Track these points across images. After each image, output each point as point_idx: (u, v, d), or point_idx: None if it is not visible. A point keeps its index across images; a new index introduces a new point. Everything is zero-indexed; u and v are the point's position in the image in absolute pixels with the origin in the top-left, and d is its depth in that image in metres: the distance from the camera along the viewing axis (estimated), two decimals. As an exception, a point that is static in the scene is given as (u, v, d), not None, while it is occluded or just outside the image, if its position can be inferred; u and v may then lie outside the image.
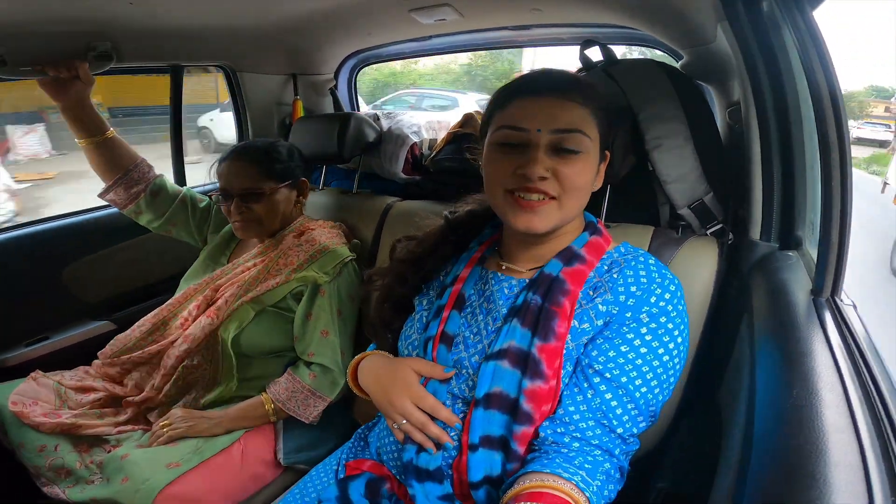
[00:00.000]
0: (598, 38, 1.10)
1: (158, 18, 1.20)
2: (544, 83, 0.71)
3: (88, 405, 1.11)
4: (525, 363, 0.67)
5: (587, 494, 0.58)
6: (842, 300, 0.63)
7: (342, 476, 0.85)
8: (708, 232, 0.98)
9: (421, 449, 0.72)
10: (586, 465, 0.63)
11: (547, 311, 0.68)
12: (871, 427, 0.41)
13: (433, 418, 0.72)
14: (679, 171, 0.97)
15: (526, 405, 0.65)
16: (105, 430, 1.06)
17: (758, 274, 0.82)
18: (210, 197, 1.23)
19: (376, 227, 1.33)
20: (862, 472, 0.37)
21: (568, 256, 0.74)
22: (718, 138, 1.01)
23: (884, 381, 0.47)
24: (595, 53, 1.12)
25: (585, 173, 0.69)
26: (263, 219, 1.16)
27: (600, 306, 0.69)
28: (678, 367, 0.69)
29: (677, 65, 1.17)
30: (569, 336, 0.68)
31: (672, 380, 0.69)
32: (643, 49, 1.51)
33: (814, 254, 0.80)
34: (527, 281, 0.75)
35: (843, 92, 0.61)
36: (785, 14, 0.67)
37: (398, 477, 0.81)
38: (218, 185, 1.17)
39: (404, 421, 0.72)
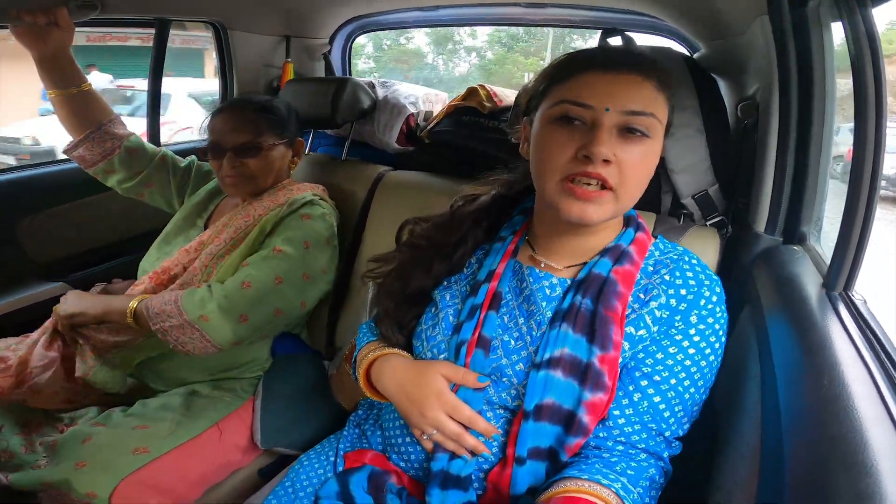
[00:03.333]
0: (617, 26, 1.07)
1: None
2: (621, 58, 0.64)
3: (40, 373, 0.98)
4: (584, 374, 0.62)
5: (627, 503, 0.55)
6: (854, 295, 0.62)
7: (341, 469, 0.77)
8: (708, 223, 0.98)
9: (454, 455, 0.67)
10: (629, 472, 0.61)
11: (602, 316, 0.63)
12: None
13: (467, 428, 0.66)
14: (688, 161, 0.96)
15: (585, 417, 0.61)
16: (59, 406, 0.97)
17: (762, 266, 0.81)
18: (197, 154, 1.14)
19: (366, 197, 1.27)
20: None
21: (617, 255, 0.68)
22: (729, 131, 1.00)
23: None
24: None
25: (649, 163, 0.64)
26: (258, 175, 1.09)
27: (657, 311, 0.65)
28: (718, 365, 0.67)
29: (692, 55, 1.15)
30: (626, 344, 0.64)
31: (713, 378, 0.67)
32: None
33: (818, 249, 0.81)
34: (568, 280, 0.69)
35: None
36: (843, 9, 0.65)
37: (411, 475, 0.75)
38: (193, 143, 1.08)
39: (435, 432, 0.66)
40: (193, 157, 1.28)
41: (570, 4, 1.26)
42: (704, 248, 0.90)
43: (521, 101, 0.75)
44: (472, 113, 1.29)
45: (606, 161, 0.60)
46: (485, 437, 0.66)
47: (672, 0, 1.08)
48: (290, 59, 1.62)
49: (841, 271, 0.63)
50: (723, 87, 1.07)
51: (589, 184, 0.61)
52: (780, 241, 0.85)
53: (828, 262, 0.70)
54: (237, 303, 0.94)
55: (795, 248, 0.81)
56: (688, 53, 1.17)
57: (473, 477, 0.67)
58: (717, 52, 1.07)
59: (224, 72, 1.55)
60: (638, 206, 1.00)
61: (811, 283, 0.67)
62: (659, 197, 1.03)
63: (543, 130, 0.65)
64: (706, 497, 0.63)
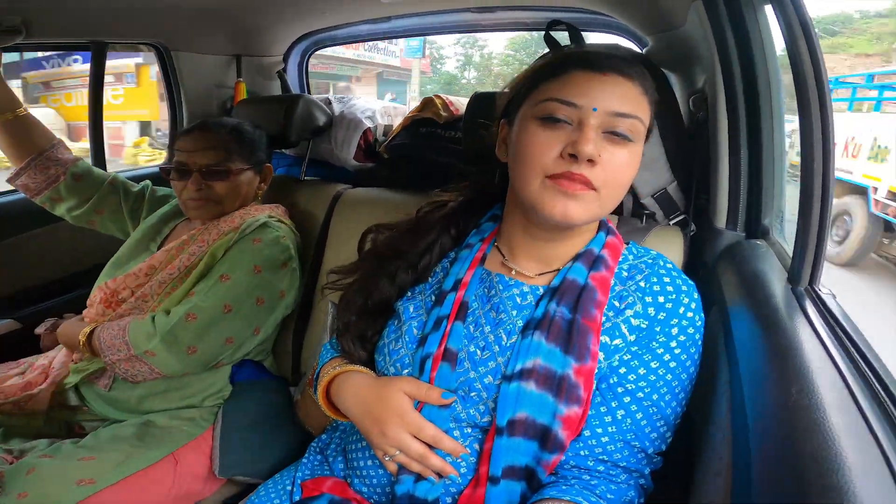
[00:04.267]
0: (564, 23, 1.06)
1: None
2: (608, 59, 0.62)
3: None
4: (559, 387, 0.59)
5: None
6: (821, 289, 0.59)
7: (297, 498, 0.73)
8: (671, 223, 0.96)
9: (420, 478, 0.63)
10: (609, 495, 0.58)
11: (580, 325, 0.60)
12: (886, 428, 0.36)
13: (433, 448, 0.62)
14: (644, 159, 0.92)
15: (561, 432, 0.59)
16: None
17: (726, 263, 0.78)
18: (161, 170, 1.09)
19: (325, 216, 1.23)
20: (892, 481, 0.32)
21: (591, 260, 0.66)
22: (683, 127, 0.98)
23: (885, 373, 0.42)
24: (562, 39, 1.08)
25: (632, 166, 0.62)
26: (224, 199, 1.06)
27: (633, 320, 0.62)
28: (697, 372, 0.65)
29: (642, 52, 1.14)
30: (601, 354, 0.61)
31: (692, 388, 0.64)
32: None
33: (782, 243, 0.78)
34: (541, 288, 0.66)
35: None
36: None
37: (373, 502, 0.70)
38: (146, 169, 1.05)
39: (398, 452, 0.62)
40: (148, 182, 1.24)
41: (520, 6, 1.25)
42: (668, 247, 0.88)
43: (500, 102, 0.72)
44: (429, 124, 1.26)
45: (591, 161, 0.58)
46: (452, 457, 0.62)
47: None
48: (241, 79, 1.58)
49: (804, 265, 0.60)
50: (674, 81, 1.06)
51: (575, 182, 0.59)
52: (743, 237, 0.82)
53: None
54: (182, 336, 0.92)
55: (759, 242, 0.79)
56: (638, 50, 1.17)
57: (441, 501, 0.62)
58: (664, 45, 1.06)
59: (171, 94, 1.49)
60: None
61: (776, 279, 0.64)
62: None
63: (527, 130, 0.62)
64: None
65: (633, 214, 0.99)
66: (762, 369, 0.49)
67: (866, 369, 0.44)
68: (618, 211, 1.00)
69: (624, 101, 0.60)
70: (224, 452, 0.98)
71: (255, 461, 0.98)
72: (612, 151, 0.59)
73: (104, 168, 1.39)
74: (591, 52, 0.65)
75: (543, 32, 0.92)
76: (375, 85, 14.05)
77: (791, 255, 0.70)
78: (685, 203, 0.96)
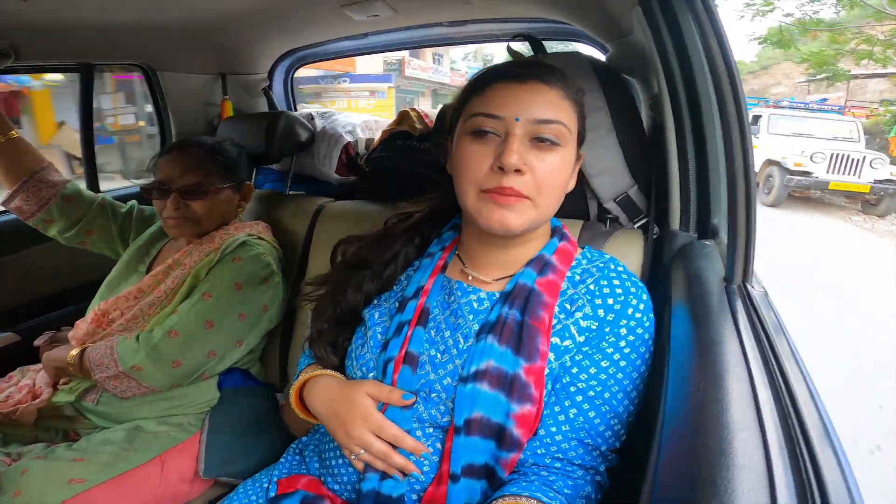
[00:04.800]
0: (527, 32, 1.10)
1: (64, 15, 1.10)
2: (527, 69, 0.66)
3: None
4: (511, 386, 0.62)
5: None
6: (753, 287, 0.62)
7: (273, 494, 0.76)
8: (635, 226, 0.99)
9: (385, 476, 0.66)
10: (566, 490, 0.60)
11: (529, 327, 0.64)
12: (777, 422, 0.39)
13: (396, 447, 0.66)
14: (603, 164, 0.97)
15: (516, 430, 0.61)
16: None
17: (678, 263, 0.81)
18: (142, 190, 1.14)
19: (307, 229, 1.27)
20: (766, 475, 0.34)
21: (540, 265, 0.69)
22: (642, 131, 1.01)
23: (792, 371, 0.45)
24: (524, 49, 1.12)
25: (562, 170, 0.65)
26: (202, 218, 1.09)
27: (581, 322, 0.65)
28: (648, 371, 0.68)
29: (603, 59, 1.18)
30: (552, 355, 0.64)
31: (644, 387, 0.67)
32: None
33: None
34: (497, 293, 0.70)
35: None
36: None
37: (345, 498, 0.74)
38: (131, 189, 1.09)
39: (362, 451, 0.66)
40: (134, 201, 1.28)
41: (488, 19, 1.29)
42: (629, 249, 0.91)
43: (446, 119, 0.76)
44: (405, 137, 1.30)
45: (519, 171, 0.61)
46: (415, 456, 0.66)
47: (569, 4, 1.10)
48: (227, 97, 1.63)
49: (736, 263, 0.63)
50: (636, 87, 1.09)
51: (506, 193, 0.62)
52: (695, 237, 0.85)
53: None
54: (166, 351, 0.97)
55: (707, 242, 0.82)
56: (601, 57, 1.20)
57: (406, 498, 0.66)
58: (621, 52, 1.08)
59: (159, 114, 1.55)
60: (566, 214, 1.02)
61: (714, 278, 0.67)
62: (585, 204, 1.05)
63: (461, 145, 0.66)
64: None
65: (598, 219, 1.03)
66: (686, 364, 0.52)
67: (773, 364, 0.46)
68: (584, 216, 1.03)
69: (545, 107, 0.63)
70: (210, 455, 1.02)
71: (238, 462, 1.03)
72: (540, 157, 0.62)
73: (97, 190, 1.44)
74: (512, 63, 0.69)
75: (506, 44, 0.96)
76: (431, 98, 17.88)
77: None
78: (646, 206, 0.99)
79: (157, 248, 1.19)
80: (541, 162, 0.62)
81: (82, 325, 1.07)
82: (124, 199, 1.30)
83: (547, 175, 0.63)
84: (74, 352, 0.99)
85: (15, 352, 1.25)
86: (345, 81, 14.20)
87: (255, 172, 1.51)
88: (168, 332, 0.97)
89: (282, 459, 0.84)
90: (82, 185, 1.27)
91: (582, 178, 1.00)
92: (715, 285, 0.65)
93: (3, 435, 1.00)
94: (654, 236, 0.95)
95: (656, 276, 0.89)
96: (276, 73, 1.73)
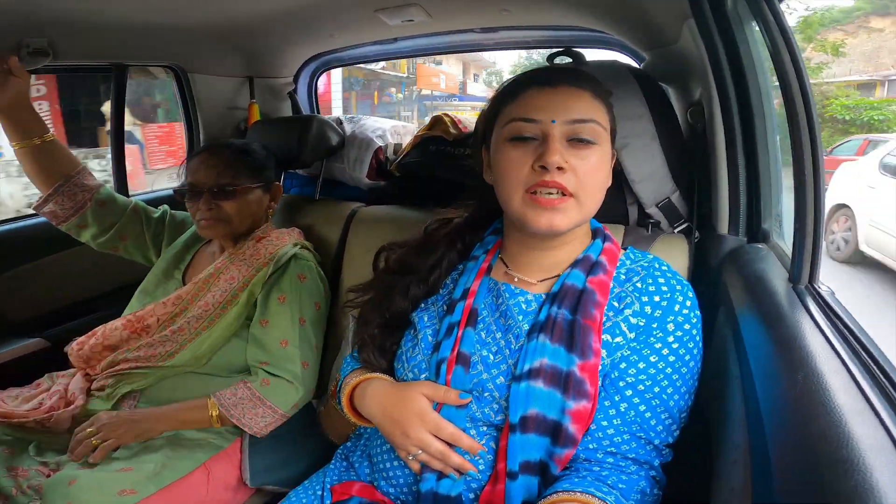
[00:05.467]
0: (568, 44, 1.12)
1: (100, 14, 1.11)
2: (557, 74, 0.69)
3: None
4: (566, 383, 0.63)
5: None
6: (820, 286, 0.63)
7: (328, 502, 0.76)
8: (676, 230, 1.00)
9: (442, 475, 0.67)
10: (620, 485, 0.61)
11: (581, 325, 0.65)
12: (888, 409, 0.40)
13: (452, 446, 0.66)
14: (647, 170, 0.98)
15: (571, 427, 0.62)
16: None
17: (729, 267, 0.83)
18: (175, 192, 1.14)
19: (341, 235, 1.27)
20: (895, 453, 0.35)
21: (589, 266, 0.70)
22: (682, 137, 1.03)
23: (883, 359, 0.46)
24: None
25: (601, 167, 0.67)
26: (233, 218, 1.09)
27: (631, 318, 0.67)
28: (699, 369, 0.69)
29: (639, 66, 1.20)
30: (604, 351, 0.65)
31: (696, 382, 0.68)
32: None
33: (782, 245, 0.83)
34: (543, 295, 0.71)
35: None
36: (752, 7, 0.69)
37: (401, 501, 0.74)
38: (163, 192, 1.09)
39: (420, 451, 0.66)
40: (165, 206, 1.28)
41: (521, 26, 1.31)
42: (674, 254, 0.92)
43: (479, 129, 0.79)
44: (438, 142, 1.30)
45: (561, 169, 0.63)
46: (471, 454, 0.66)
47: (611, 14, 1.12)
48: (254, 100, 1.63)
49: (802, 265, 0.64)
50: (672, 95, 1.11)
51: (550, 193, 0.64)
52: (745, 241, 0.87)
53: (792, 257, 0.71)
54: (293, 362, 1.02)
55: (760, 246, 0.83)
56: (636, 65, 1.22)
57: (464, 497, 0.66)
58: (660, 61, 1.11)
59: (188, 116, 1.55)
60: (606, 220, 1.03)
61: (777, 279, 0.68)
62: (625, 209, 1.06)
63: (501, 151, 0.68)
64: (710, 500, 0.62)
65: (638, 224, 1.04)
66: (769, 361, 0.53)
67: (865, 356, 0.47)
68: (624, 221, 1.04)
69: (579, 108, 0.66)
70: (254, 462, 1.01)
71: (283, 470, 1.02)
72: (579, 156, 0.65)
73: (126, 194, 1.43)
74: (541, 69, 0.73)
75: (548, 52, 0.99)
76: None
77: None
78: (688, 211, 1.00)
79: (191, 253, 1.19)
80: (581, 160, 0.65)
81: (113, 333, 1.06)
82: (155, 203, 1.29)
83: (588, 173, 0.65)
84: (214, 413, 0.99)
85: (43, 358, 1.23)
86: (454, 100, 17.74)
87: (282, 177, 1.50)
88: (279, 343, 1.02)
89: (330, 466, 0.84)
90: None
91: (624, 183, 1.02)
92: (780, 286, 0.66)
93: (37, 443, 0.97)
94: (696, 240, 0.97)
95: (702, 280, 0.90)
96: (301, 77, 1.74)
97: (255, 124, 1.48)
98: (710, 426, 0.69)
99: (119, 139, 1.42)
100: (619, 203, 1.05)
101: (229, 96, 1.61)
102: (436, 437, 0.66)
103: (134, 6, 1.12)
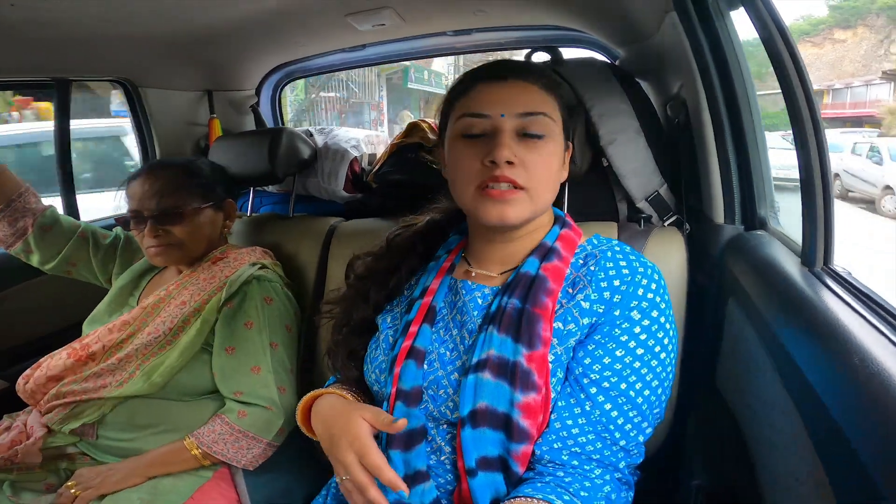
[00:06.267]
0: (536, 42, 1.11)
1: (37, 24, 1.01)
2: (506, 68, 0.69)
3: None
4: (513, 374, 0.61)
5: None
6: (836, 268, 0.63)
7: None
8: (666, 223, 1.00)
9: (414, 483, 0.64)
10: (582, 493, 0.58)
11: (529, 314, 0.63)
12: None
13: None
14: (634, 165, 0.99)
15: (522, 421, 0.60)
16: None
17: (732, 256, 0.82)
18: (117, 221, 1.05)
19: (321, 252, 1.19)
20: None
21: (543, 252, 0.69)
22: (662, 131, 1.04)
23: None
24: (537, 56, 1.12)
25: (552, 160, 0.67)
26: (185, 242, 1.01)
27: (583, 303, 0.64)
28: (674, 360, 0.66)
29: (614, 63, 1.21)
30: (554, 340, 0.63)
31: (671, 375, 0.65)
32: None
33: (782, 230, 0.83)
34: (499, 287, 0.69)
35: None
36: None
37: None
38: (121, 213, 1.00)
39: (345, 477, 0.63)
40: (119, 229, 1.17)
41: (494, 28, 1.30)
42: (671, 247, 0.91)
43: (438, 128, 0.77)
44: (416, 149, 1.26)
45: (510, 163, 0.63)
46: (393, 490, 0.61)
47: (586, 10, 1.13)
48: (214, 115, 1.54)
49: (816, 247, 0.63)
50: (648, 89, 1.12)
51: (501, 185, 0.64)
52: (742, 229, 0.87)
53: (796, 241, 0.71)
54: (268, 389, 0.95)
55: (759, 233, 0.83)
56: (608, 61, 1.23)
57: (441, 499, 0.64)
58: (636, 56, 1.12)
59: (141, 134, 1.44)
60: (596, 217, 1.03)
61: (789, 264, 0.67)
62: (615, 206, 1.05)
63: (453, 147, 0.68)
64: (760, 491, 0.60)
65: (629, 219, 1.03)
66: (811, 349, 0.51)
67: None
68: (614, 218, 1.04)
69: (528, 102, 0.65)
70: (254, 494, 0.94)
71: (284, 498, 0.96)
72: (529, 149, 0.64)
73: (76, 215, 1.31)
74: (491, 64, 0.72)
75: (526, 52, 0.98)
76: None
77: (794, 239, 0.75)
78: (676, 203, 1.00)
79: (147, 279, 1.10)
80: (531, 154, 0.64)
81: (57, 363, 0.96)
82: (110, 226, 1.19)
83: (539, 166, 0.65)
84: (196, 452, 0.91)
85: (2, 399, 1.12)
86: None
87: (251, 195, 1.41)
88: (251, 370, 0.94)
89: (332, 491, 0.81)
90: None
91: (612, 179, 1.01)
92: (794, 271, 0.65)
93: (11, 483, 0.89)
94: (687, 232, 0.97)
95: (703, 270, 0.90)
96: (263, 89, 1.67)
97: (218, 140, 1.39)
98: (738, 417, 0.66)
99: (65, 157, 1.30)
100: (608, 200, 1.05)
101: (187, 111, 1.51)
102: (362, 464, 0.61)
103: (78, 17, 1.03)
